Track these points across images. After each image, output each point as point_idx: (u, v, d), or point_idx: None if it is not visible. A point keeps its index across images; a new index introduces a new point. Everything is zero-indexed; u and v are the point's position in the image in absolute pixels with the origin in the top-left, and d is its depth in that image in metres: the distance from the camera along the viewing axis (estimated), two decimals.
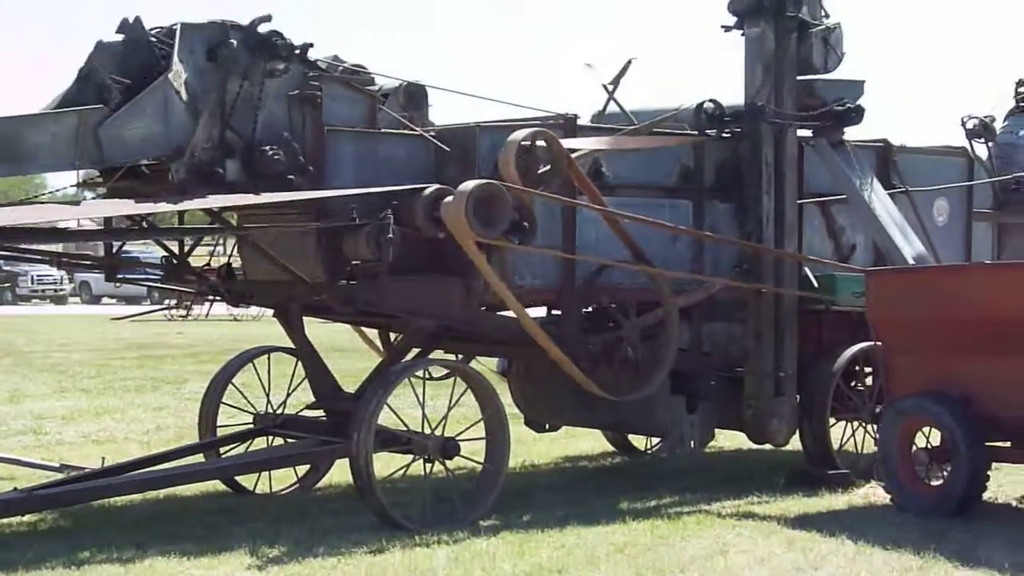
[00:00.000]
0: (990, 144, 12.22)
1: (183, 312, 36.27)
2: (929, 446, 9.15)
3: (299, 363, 9.86)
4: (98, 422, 14.17)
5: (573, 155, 8.97)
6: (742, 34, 10.30)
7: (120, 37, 8.36)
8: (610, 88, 11.05)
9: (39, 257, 10.06)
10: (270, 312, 10.02)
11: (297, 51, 8.55)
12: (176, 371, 20.00)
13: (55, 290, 49.63)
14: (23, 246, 8.92)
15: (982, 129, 12.18)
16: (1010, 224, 12.24)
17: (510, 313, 9.05)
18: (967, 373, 8.86)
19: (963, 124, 12.15)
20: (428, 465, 8.76)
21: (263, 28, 8.39)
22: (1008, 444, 9.02)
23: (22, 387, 17.65)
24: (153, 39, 8.31)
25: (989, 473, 8.83)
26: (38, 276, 48.71)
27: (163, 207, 8.23)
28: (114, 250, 10.16)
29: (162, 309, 36.70)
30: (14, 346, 25.04)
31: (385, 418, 8.59)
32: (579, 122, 9.64)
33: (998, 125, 12.49)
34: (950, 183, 11.63)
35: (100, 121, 7.97)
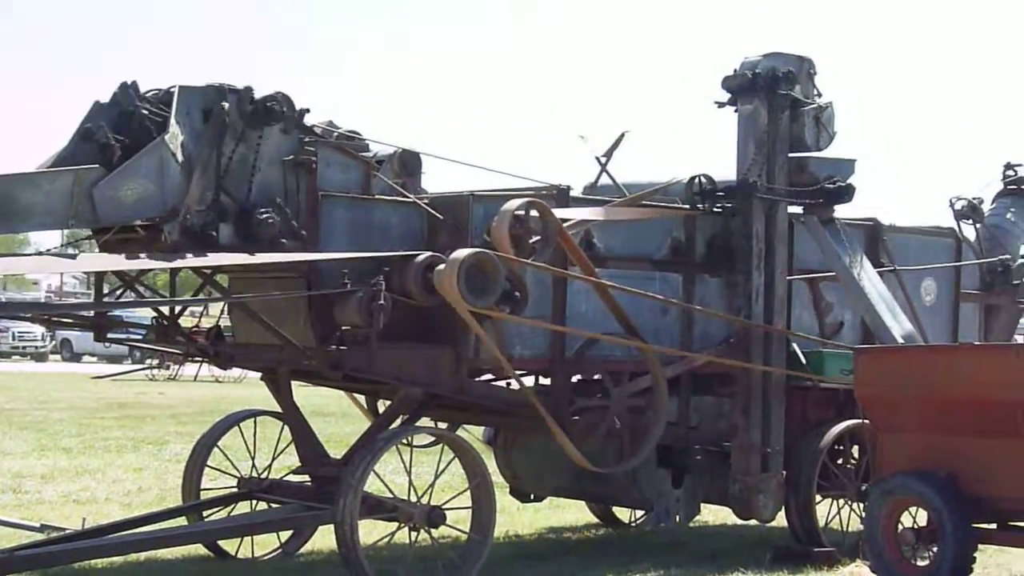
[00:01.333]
0: (978, 226, 12.33)
1: (169, 373, 36.19)
2: (916, 526, 9.13)
3: (285, 427, 9.84)
4: (79, 482, 14.08)
5: (565, 226, 9.03)
6: (735, 110, 10.40)
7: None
8: (603, 160, 11.13)
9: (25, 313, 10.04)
10: (252, 374, 10.01)
11: (293, 116, 8.61)
12: (157, 432, 19.90)
13: (36, 347, 49.41)
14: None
15: (970, 210, 12.29)
16: (997, 306, 12.33)
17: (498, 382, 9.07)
18: (954, 453, 8.87)
19: (951, 205, 12.27)
20: (413, 533, 8.73)
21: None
22: (995, 526, 9.03)
23: (1, 445, 17.54)
24: (145, 111, 8.30)
25: (975, 555, 8.83)
26: (19, 333, 48.54)
27: (156, 264, 8.23)
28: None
29: (143, 369, 36.59)
30: None
31: (371, 485, 8.57)
32: (572, 193, 9.71)
33: (986, 207, 12.61)
34: (938, 263, 11.72)
35: (95, 181, 7.95)
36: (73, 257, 8.52)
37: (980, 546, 8.92)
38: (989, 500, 8.75)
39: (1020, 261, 12.45)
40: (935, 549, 8.86)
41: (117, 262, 8.37)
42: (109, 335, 10.01)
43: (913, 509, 9.16)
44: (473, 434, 11.21)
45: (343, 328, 8.56)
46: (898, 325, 10.50)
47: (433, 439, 9.30)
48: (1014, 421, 8.50)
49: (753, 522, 10.51)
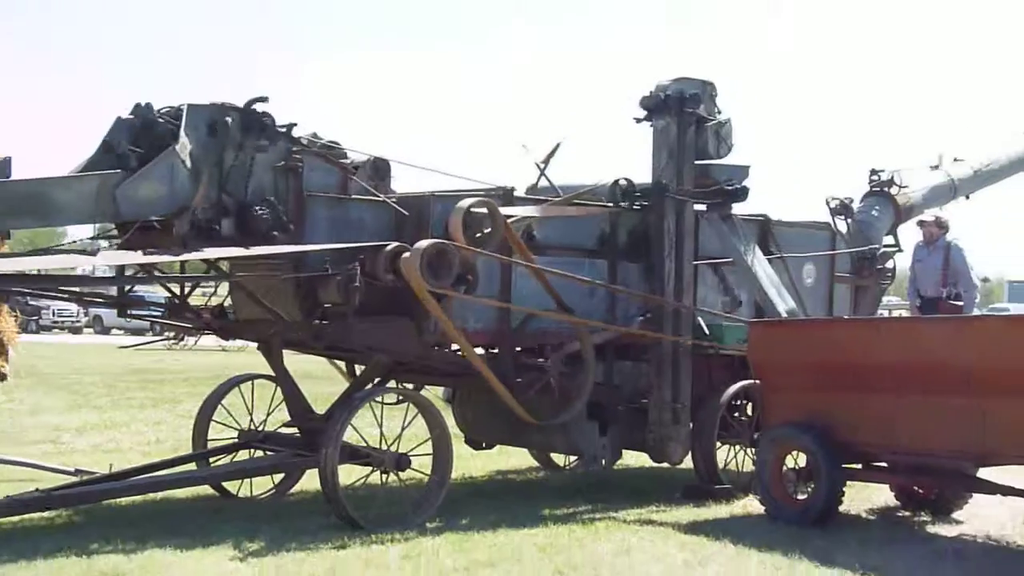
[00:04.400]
0: (849, 220, 12.43)
1: (178, 342, 35.82)
2: (797, 467, 9.24)
3: (278, 388, 9.80)
4: (106, 434, 13.99)
5: (510, 221, 9.05)
6: (651, 125, 10.43)
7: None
8: (542, 166, 11.13)
9: (63, 295, 9.94)
10: (253, 345, 9.97)
11: (283, 129, 8.58)
12: (173, 392, 19.78)
13: (72, 322, 48.84)
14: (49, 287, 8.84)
15: (842, 208, 12.39)
16: (864, 286, 12.45)
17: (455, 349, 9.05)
18: (828, 407, 8.97)
19: (827, 203, 12.35)
20: (384, 476, 8.74)
21: (258, 107, 8.40)
22: (860, 466, 9.15)
23: (42, 403, 17.39)
24: (161, 119, 8.27)
25: (844, 490, 8.95)
26: (58, 309, 47.94)
27: (167, 257, 8.18)
28: (125, 291, 10.08)
29: (162, 340, 36.18)
30: (36, 368, 24.57)
31: (349, 436, 8.57)
32: (516, 193, 9.72)
33: (855, 205, 12.71)
34: (817, 251, 11.81)
35: (117, 183, 7.92)
36: (94, 254, 8.46)
37: (848, 483, 9.05)
38: (855, 445, 8.87)
39: (883, 250, 12.58)
40: (812, 486, 8.98)
41: (135, 257, 8.30)
42: (130, 311, 9.94)
43: (795, 454, 9.28)
44: (434, 393, 11.21)
45: (325, 305, 8.54)
46: (783, 302, 10.58)
47: (400, 398, 9.29)
48: (876, 380, 8.62)
49: (665, 465, 10.57)
